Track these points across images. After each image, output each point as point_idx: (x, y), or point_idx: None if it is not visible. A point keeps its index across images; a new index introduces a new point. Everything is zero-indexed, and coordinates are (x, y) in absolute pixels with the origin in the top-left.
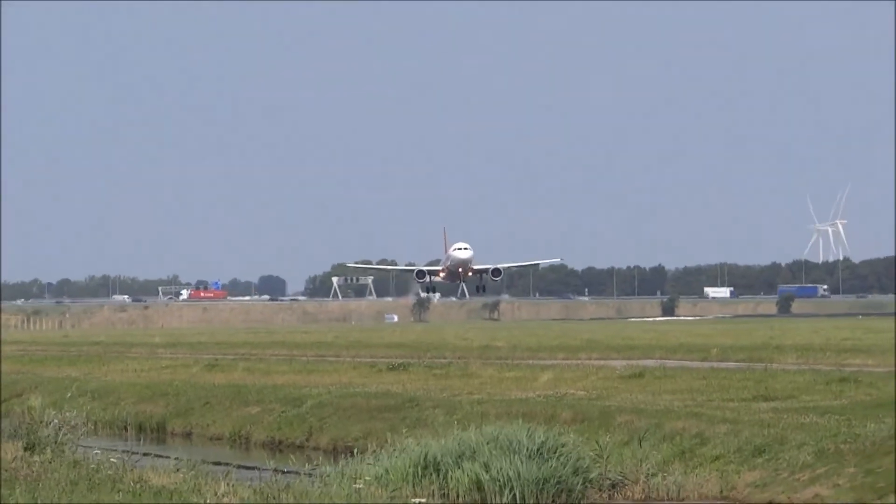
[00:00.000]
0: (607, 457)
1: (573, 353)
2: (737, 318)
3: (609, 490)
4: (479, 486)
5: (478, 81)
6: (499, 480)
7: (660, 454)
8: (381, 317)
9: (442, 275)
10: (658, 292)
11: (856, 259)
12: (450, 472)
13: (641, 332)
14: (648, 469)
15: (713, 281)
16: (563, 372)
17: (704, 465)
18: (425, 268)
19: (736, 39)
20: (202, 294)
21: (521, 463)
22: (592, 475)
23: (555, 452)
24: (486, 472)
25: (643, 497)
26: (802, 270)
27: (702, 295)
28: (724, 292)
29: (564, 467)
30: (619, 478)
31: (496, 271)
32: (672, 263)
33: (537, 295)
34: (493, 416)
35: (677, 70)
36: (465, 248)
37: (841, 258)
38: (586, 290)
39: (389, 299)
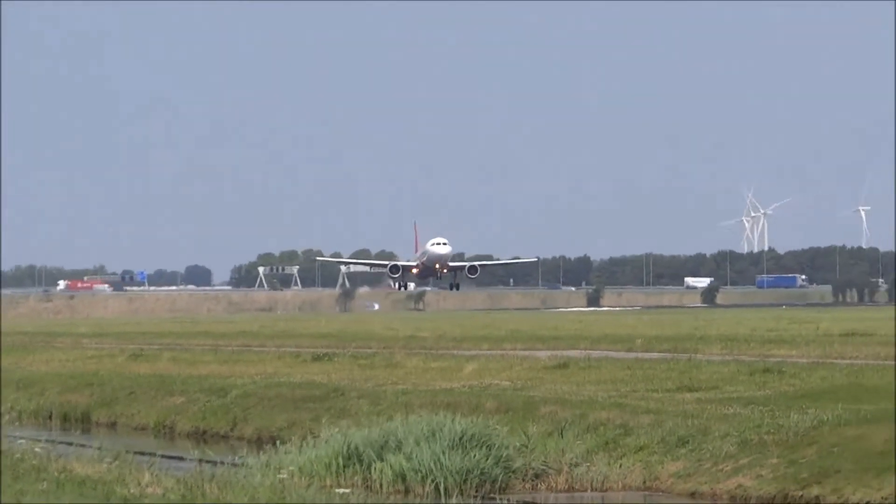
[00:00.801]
0: (531, 447)
1: (498, 343)
2: (661, 309)
3: (533, 480)
4: (402, 476)
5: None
6: (422, 471)
7: (584, 445)
8: (306, 306)
9: (415, 270)
10: (583, 283)
11: (780, 250)
12: (373, 463)
13: (566, 322)
14: (572, 459)
15: (638, 271)
16: (488, 362)
17: (628, 455)
18: (400, 263)
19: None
20: (79, 285)
21: (445, 453)
22: (516, 465)
23: (478, 443)
24: (409, 462)
25: (567, 487)
26: (727, 261)
27: (623, 285)
28: (704, 282)
29: (488, 458)
30: (543, 468)
31: (473, 269)
32: (597, 254)
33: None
34: (417, 407)
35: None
36: (444, 244)
37: (766, 248)
38: (511, 280)
39: (317, 289)
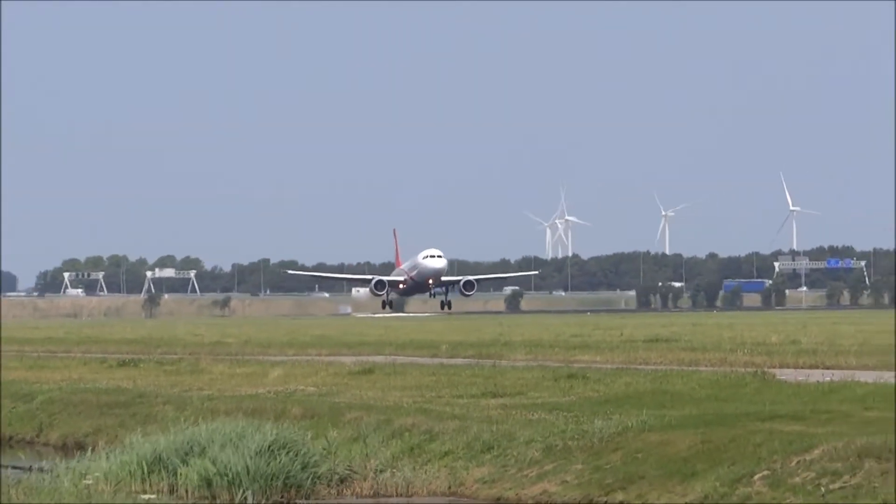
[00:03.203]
0: (337, 452)
1: (303, 349)
2: (465, 314)
3: (338, 485)
4: (208, 481)
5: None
6: (227, 476)
7: (389, 450)
8: (118, 313)
9: (403, 286)
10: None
11: (584, 255)
12: (178, 469)
13: (372, 328)
14: (377, 465)
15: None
16: (294, 368)
17: (433, 461)
18: (386, 278)
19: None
20: None
21: (250, 459)
22: (321, 470)
23: (284, 448)
24: (215, 467)
25: (372, 493)
26: (532, 266)
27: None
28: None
29: (293, 463)
30: (349, 473)
31: (469, 284)
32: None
33: (268, 291)
34: (223, 413)
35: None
36: (439, 257)
37: (570, 254)
38: (317, 286)
39: (121, 295)
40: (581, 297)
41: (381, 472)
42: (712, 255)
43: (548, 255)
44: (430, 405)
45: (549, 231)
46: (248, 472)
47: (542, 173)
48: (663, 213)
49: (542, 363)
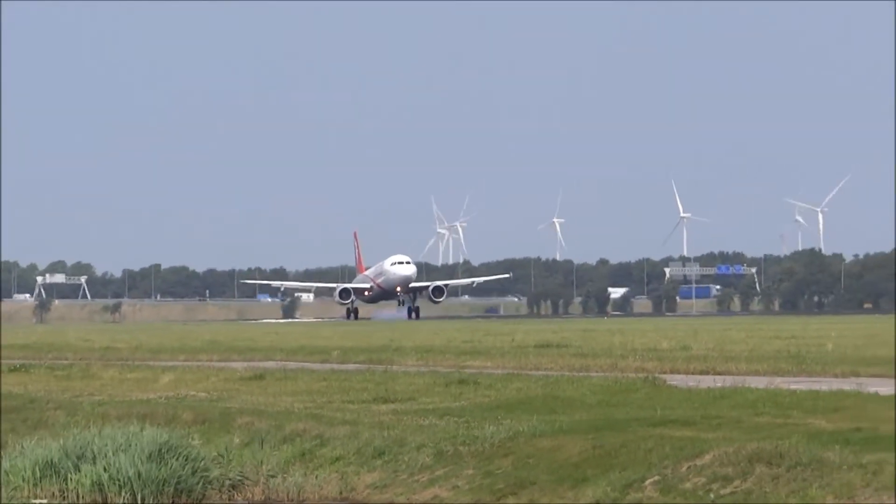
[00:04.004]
0: (228, 458)
1: (194, 354)
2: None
3: (230, 490)
4: (100, 486)
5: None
6: (118, 481)
7: (280, 455)
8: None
9: (368, 293)
10: (279, 295)
11: (475, 262)
12: (70, 474)
13: (263, 333)
14: (269, 470)
15: (335, 282)
16: (185, 373)
17: (325, 466)
18: (351, 286)
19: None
20: None
21: (141, 463)
22: (213, 476)
23: (175, 453)
24: (107, 472)
25: (263, 498)
26: (423, 272)
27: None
28: (619, 291)
29: (184, 468)
30: (240, 478)
31: (438, 290)
32: (293, 265)
33: (159, 297)
34: (114, 418)
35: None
36: (407, 263)
37: (462, 261)
38: (207, 291)
39: (11, 300)
40: (472, 302)
41: (272, 477)
42: (603, 262)
43: (439, 261)
44: (322, 410)
45: (438, 237)
46: (139, 477)
47: (439, 180)
48: (554, 219)
49: (433, 369)
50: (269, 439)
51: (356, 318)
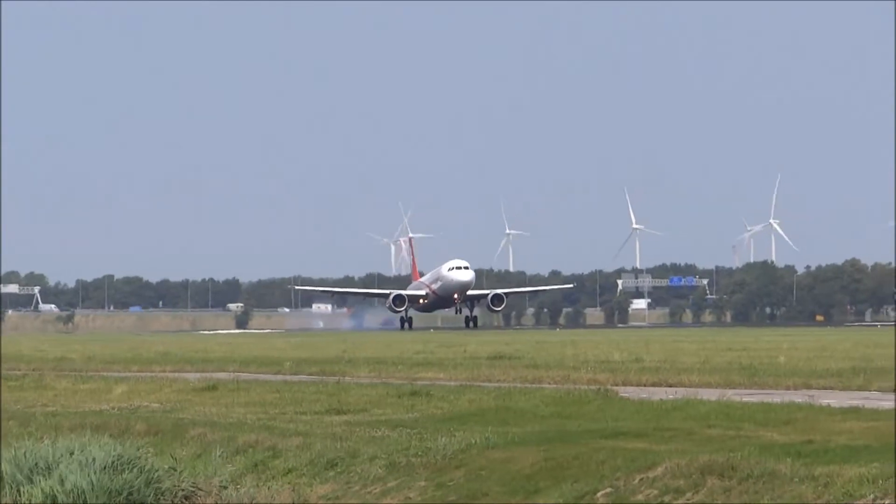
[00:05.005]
0: (181, 469)
1: (147, 365)
2: (310, 331)
3: (182, 501)
4: (53, 498)
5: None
6: (73, 493)
7: (233, 467)
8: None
9: (424, 301)
10: (232, 305)
11: (427, 271)
12: (21, 486)
13: (216, 344)
14: (221, 481)
15: (287, 293)
16: (138, 384)
17: (277, 477)
18: (405, 293)
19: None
20: None
21: (94, 475)
22: (165, 486)
23: (127, 464)
24: (61, 485)
25: None
26: (375, 283)
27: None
28: (642, 303)
29: (137, 479)
30: (193, 489)
31: (497, 298)
32: (246, 276)
33: (112, 307)
34: (67, 429)
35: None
36: (466, 269)
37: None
38: (160, 302)
39: None
40: (424, 314)
41: (224, 488)
42: (555, 273)
43: (392, 271)
44: (274, 422)
45: (393, 248)
46: (92, 488)
47: (385, 189)
48: (507, 231)
49: (385, 380)
50: (221, 450)
51: (410, 327)
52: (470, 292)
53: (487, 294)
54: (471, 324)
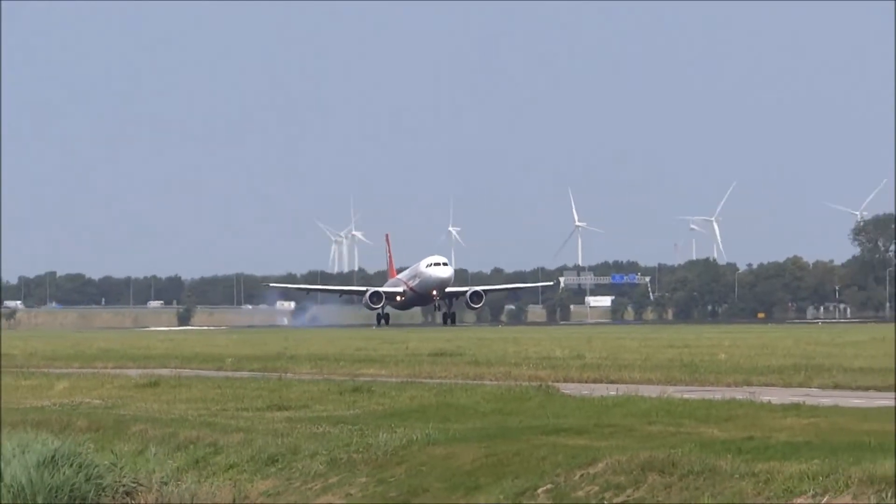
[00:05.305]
0: (122, 465)
1: (89, 361)
2: (252, 328)
3: (124, 497)
4: None
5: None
6: (13, 488)
7: (174, 463)
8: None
9: (401, 298)
10: (175, 302)
11: (370, 270)
12: None
13: (158, 341)
14: (162, 477)
15: (229, 290)
16: (79, 380)
17: (218, 473)
18: (382, 289)
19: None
20: None
21: (34, 470)
22: (106, 482)
23: (68, 460)
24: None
25: None
26: (318, 280)
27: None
28: (605, 301)
29: (77, 475)
30: (134, 485)
31: (476, 296)
32: (188, 273)
33: (55, 304)
34: (7, 425)
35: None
36: (445, 265)
37: (357, 268)
38: (103, 299)
39: None
40: (366, 311)
41: (165, 484)
42: (498, 270)
43: (333, 269)
44: (216, 418)
45: (335, 245)
46: (31, 484)
47: (333, 187)
48: (450, 228)
49: (327, 377)
50: (163, 446)
51: (387, 323)
52: (448, 289)
53: (466, 291)
54: (448, 320)
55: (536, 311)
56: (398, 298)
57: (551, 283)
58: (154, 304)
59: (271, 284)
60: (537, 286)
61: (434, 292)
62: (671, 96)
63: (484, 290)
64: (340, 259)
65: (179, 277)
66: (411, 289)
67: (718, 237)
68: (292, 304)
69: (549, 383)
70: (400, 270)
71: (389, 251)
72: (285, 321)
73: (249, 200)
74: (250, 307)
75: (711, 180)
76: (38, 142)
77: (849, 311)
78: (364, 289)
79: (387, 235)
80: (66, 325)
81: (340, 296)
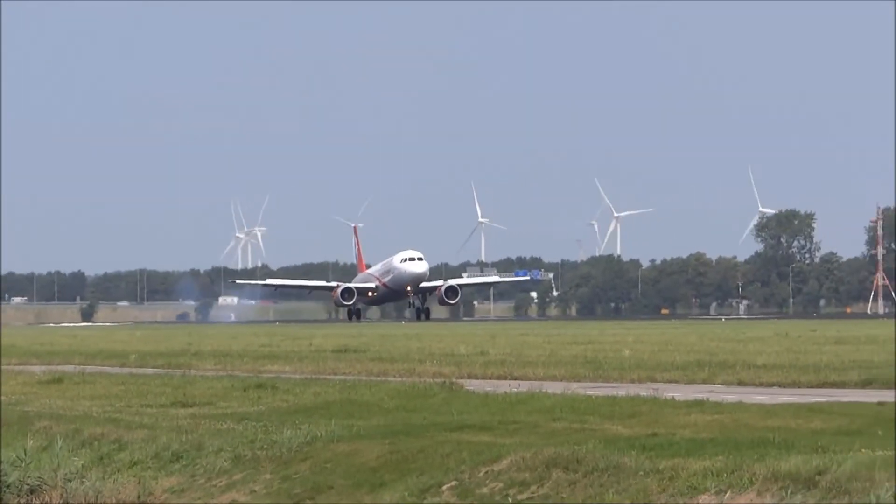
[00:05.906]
0: (27, 462)
1: None
2: (155, 324)
3: (28, 495)
4: None
5: None
6: None
7: (79, 460)
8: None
9: (373, 294)
10: (77, 298)
11: (274, 266)
12: None
13: (61, 337)
14: (67, 474)
15: (133, 287)
16: None
17: (123, 470)
18: (354, 285)
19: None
20: None
21: None
22: (10, 480)
23: None
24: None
25: (61, 502)
26: (221, 277)
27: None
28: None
29: None
30: (38, 482)
31: (451, 291)
32: (92, 269)
33: None
34: None
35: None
36: (420, 260)
37: (260, 265)
38: (7, 294)
39: None
40: (273, 307)
41: (70, 481)
42: None
43: (238, 264)
44: (120, 415)
45: (233, 242)
46: None
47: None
48: (352, 224)
49: (231, 373)
50: (67, 443)
51: (359, 319)
52: (423, 284)
53: (441, 286)
54: (422, 316)
55: (439, 308)
56: (370, 294)
57: (527, 279)
58: (17, 300)
59: (237, 281)
60: (519, 280)
61: (408, 288)
62: (578, 91)
63: (459, 285)
64: (244, 255)
65: (83, 273)
66: (384, 284)
67: (618, 235)
68: (235, 300)
69: (453, 380)
70: (307, 268)
71: (358, 244)
72: (232, 317)
73: (157, 195)
74: (181, 302)
75: (623, 176)
76: None
77: (751, 307)
78: (335, 284)
79: (355, 227)
80: None
81: (310, 292)
